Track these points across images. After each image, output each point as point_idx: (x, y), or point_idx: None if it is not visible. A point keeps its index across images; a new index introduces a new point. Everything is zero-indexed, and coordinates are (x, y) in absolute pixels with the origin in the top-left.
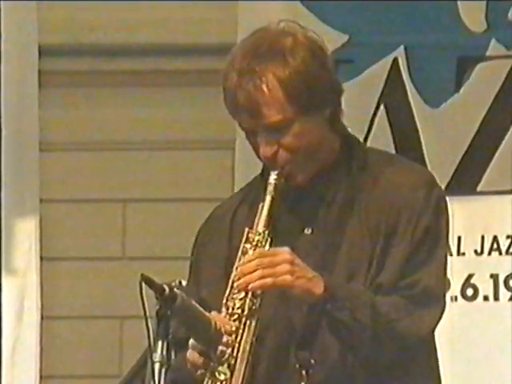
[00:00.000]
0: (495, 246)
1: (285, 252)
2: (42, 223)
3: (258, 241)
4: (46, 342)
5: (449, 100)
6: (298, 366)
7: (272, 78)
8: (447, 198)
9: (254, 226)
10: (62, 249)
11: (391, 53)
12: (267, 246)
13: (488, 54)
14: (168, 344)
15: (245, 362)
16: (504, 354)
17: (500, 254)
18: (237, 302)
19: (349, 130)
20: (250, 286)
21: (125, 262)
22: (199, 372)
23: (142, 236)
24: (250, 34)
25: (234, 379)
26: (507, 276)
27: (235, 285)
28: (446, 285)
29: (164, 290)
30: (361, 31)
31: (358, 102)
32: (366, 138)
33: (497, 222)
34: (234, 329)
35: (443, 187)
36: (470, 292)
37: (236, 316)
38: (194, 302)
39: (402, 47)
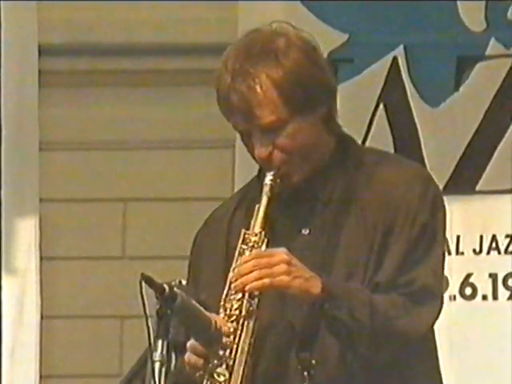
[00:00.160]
0: (494, 245)
1: (281, 252)
2: (41, 223)
3: (254, 242)
4: (45, 342)
5: (448, 99)
6: (299, 367)
7: (265, 78)
8: (446, 198)
9: (251, 227)
10: (62, 248)
11: (391, 52)
12: (264, 247)
13: (487, 53)
14: (168, 343)
15: (243, 363)
16: (503, 353)
17: (499, 253)
18: (234, 303)
19: (345, 129)
20: (247, 287)
21: (125, 261)
22: (198, 374)
23: (142, 235)
24: (242, 36)
25: (232, 380)
26: (506, 275)
27: (232, 286)
28: (444, 281)
29: (164, 289)
30: (360, 30)
31: (358, 101)
32: (365, 137)
33: (496, 222)
34: (231, 330)
35: (442, 186)
36: (468, 291)
37: (234, 317)
38: (194, 302)
39: (401, 46)
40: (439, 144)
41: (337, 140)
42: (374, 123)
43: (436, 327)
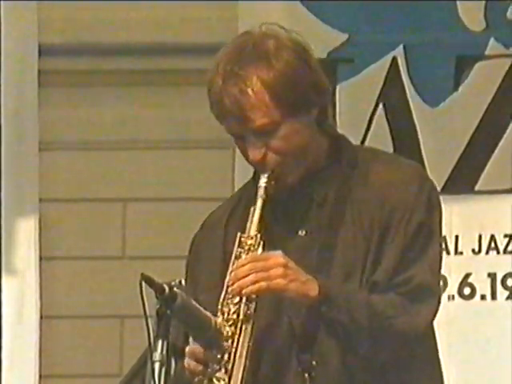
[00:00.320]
0: (493, 245)
1: (278, 255)
2: (41, 223)
3: (250, 245)
4: (45, 342)
5: (447, 99)
6: (299, 368)
7: (257, 81)
8: (445, 197)
9: (247, 230)
10: (62, 248)
11: (390, 52)
12: (260, 250)
13: (487, 53)
14: (168, 344)
15: (242, 367)
16: (501, 352)
17: (498, 253)
18: (232, 307)
19: (345, 128)
20: (243, 291)
21: (125, 261)
22: (197, 379)
23: (142, 235)
24: (232, 39)
25: None
26: (505, 275)
27: (229, 290)
28: (442, 279)
29: (164, 289)
30: (360, 30)
31: (357, 101)
32: (364, 137)
33: (494, 221)
34: (229, 334)
35: (441, 186)
36: (467, 291)
37: (231, 321)
38: (193, 302)
39: (401, 46)
40: (438, 144)
41: (330, 140)
42: (374, 123)
43: (435, 327)
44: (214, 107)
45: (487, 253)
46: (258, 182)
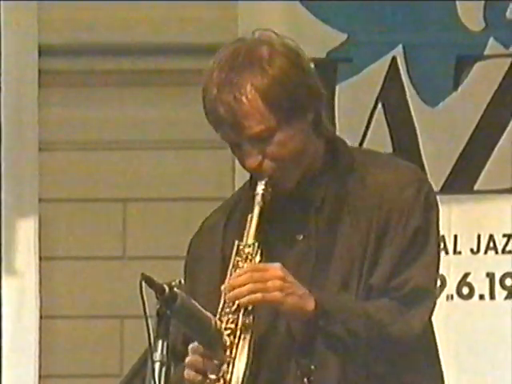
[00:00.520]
0: (491, 244)
1: (276, 268)
2: (41, 223)
3: (248, 253)
4: (45, 342)
5: (447, 99)
6: (299, 373)
7: (251, 88)
8: (444, 197)
9: (244, 238)
10: (62, 249)
11: (389, 52)
12: (258, 258)
13: (486, 52)
14: (168, 344)
15: (241, 377)
16: (500, 352)
17: (496, 252)
18: (230, 316)
19: (344, 128)
20: (239, 301)
21: (125, 261)
22: None
23: (142, 236)
24: (224, 46)
25: None
26: (503, 275)
27: (226, 298)
28: (440, 277)
29: (164, 289)
30: (359, 30)
31: (356, 101)
32: (363, 137)
33: (493, 221)
34: (228, 344)
35: (440, 186)
36: (465, 291)
37: (230, 331)
38: (194, 302)
39: (400, 46)
40: (437, 143)
41: (327, 144)
42: (373, 123)
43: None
44: (209, 115)
45: (486, 252)
46: (255, 188)
